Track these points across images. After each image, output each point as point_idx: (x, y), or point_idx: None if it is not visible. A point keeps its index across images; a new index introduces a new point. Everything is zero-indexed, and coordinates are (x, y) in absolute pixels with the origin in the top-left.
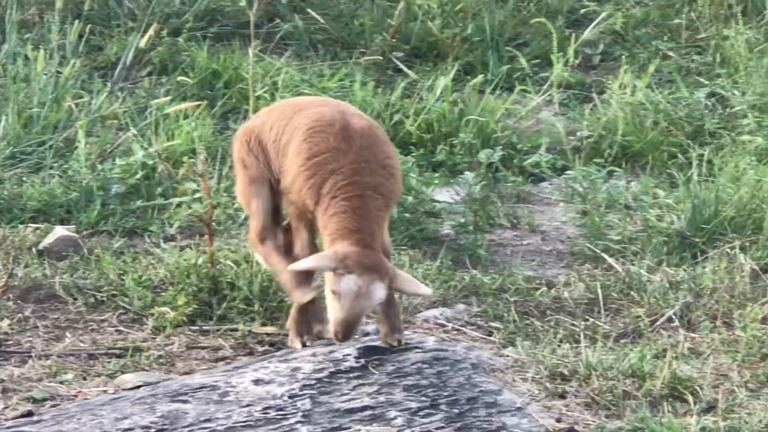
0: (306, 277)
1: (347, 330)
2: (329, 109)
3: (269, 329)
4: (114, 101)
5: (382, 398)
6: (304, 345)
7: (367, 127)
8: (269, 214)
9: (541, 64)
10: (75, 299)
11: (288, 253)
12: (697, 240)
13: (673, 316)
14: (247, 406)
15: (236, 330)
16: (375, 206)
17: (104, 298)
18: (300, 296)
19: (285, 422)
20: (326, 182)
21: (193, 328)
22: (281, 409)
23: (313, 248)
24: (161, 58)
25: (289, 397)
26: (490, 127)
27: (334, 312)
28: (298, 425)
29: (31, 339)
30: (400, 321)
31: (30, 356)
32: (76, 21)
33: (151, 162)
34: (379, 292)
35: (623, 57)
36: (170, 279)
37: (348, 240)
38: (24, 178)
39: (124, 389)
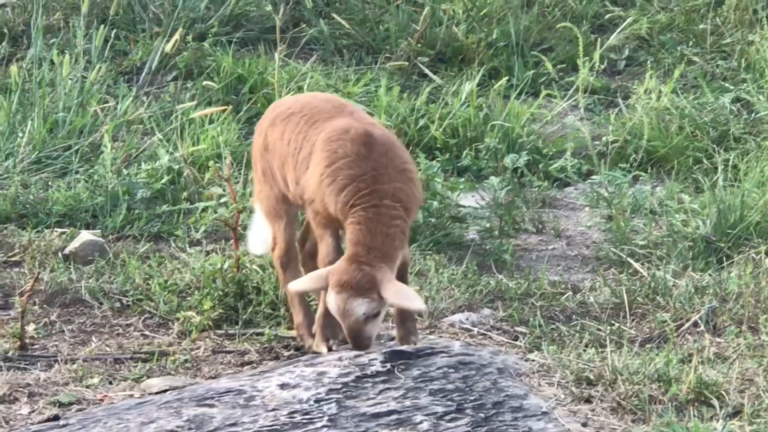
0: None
1: (353, 342)
2: (344, 120)
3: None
4: (139, 106)
5: (408, 402)
6: (330, 349)
7: (383, 133)
8: (293, 236)
9: (566, 69)
10: (101, 303)
11: (312, 258)
12: (722, 245)
13: (699, 321)
14: (273, 410)
15: (262, 334)
16: (391, 216)
17: (130, 303)
18: (314, 345)
19: (311, 426)
20: (347, 188)
21: (219, 332)
22: (307, 414)
23: (339, 254)
24: (186, 62)
25: (315, 402)
26: (515, 132)
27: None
28: (324, 429)
29: (57, 343)
30: (415, 325)
31: (56, 360)
32: (102, 26)
33: (176, 167)
34: (360, 308)
35: (648, 62)
36: (196, 283)
37: (348, 254)
38: (50, 183)
39: (150, 393)
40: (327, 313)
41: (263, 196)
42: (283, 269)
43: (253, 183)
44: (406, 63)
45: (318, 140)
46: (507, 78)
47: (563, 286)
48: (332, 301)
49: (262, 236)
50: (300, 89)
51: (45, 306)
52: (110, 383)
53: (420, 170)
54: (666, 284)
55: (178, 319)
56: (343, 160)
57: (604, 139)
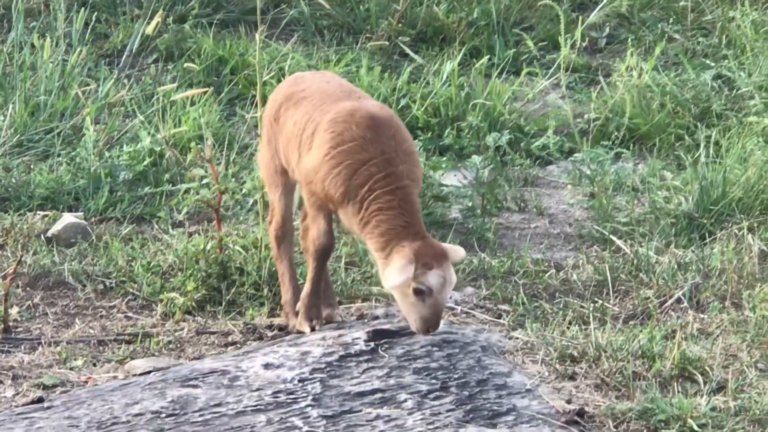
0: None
1: (439, 320)
2: (350, 102)
3: (276, 320)
4: (121, 88)
5: (392, 381)
6: (313, 329)
7: (389, 116)
8: (290, 208)
9: (547, 47)
10: (84, 286)
11: (304, 237)
12: (705, 221)
13: (682, 297)
14: (258, 390)
15: (245, 315)
16: (414, 194)
17: (113, 285)
18: (297, 324)
19: (295, 406)
20: (357, 173)
21: (203, 313)
22: (291, 393)
23: (330, 237)
24: (167, 45)
25: (299, 381)
26: (497, 111)
27: (422, 310)
28: (309, 408)
29: (40, 326)
30: None
31: (40, 343)
32: (82, 9)
33: (158, 148)
34: (454, 272)
35: (629, 40)
36: (179, 265)
37: (406, 239)
38: (32, 166)
39: (134, 375)
40: (312, 293)
41: (264, 162)
42: (277, 243)
43: (259, 145)
44: (387, 43)
45: (322, 121)
46: (488, 57)
47: (546, 264)
48: (436, 276)
49: None
50: (281, 70)
51: (28, 289)
52: (94, 365)
53: None
54: (649, 261)
55: (161, 300)
56: (349, 144)
57: (585, 116)
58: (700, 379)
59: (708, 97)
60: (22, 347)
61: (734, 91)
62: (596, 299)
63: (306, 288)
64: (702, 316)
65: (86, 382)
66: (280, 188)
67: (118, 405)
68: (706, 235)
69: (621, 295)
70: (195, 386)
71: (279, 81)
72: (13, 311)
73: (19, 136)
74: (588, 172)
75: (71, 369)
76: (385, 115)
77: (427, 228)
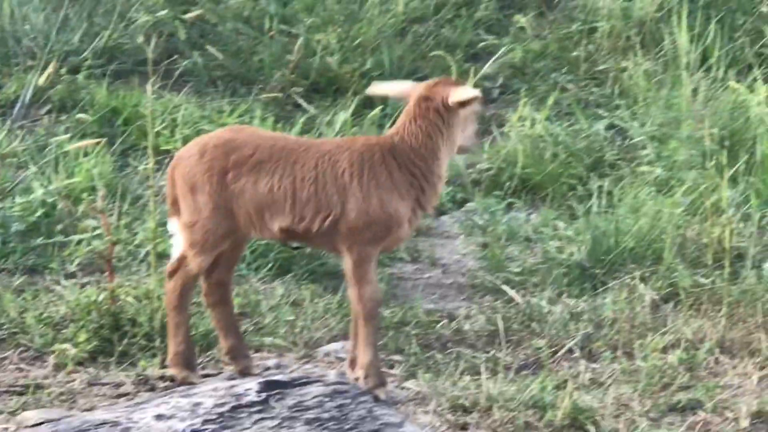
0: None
1: None
2: (336, 139)
3: (169, 371)
4: (13, 139)
5: None
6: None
7: None
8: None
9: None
10: None
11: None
12: (597, 271)
13: (574, 347)
14: None
15: (137, 366)
16: None
17: (5, 336)
18: (377, 392)
19: None
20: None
21: (95, 364)
22: None
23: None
24: (60, 95)
25: None
26: None
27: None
28: None
29: None
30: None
31: None
32: None
33: (51, 200)
34: None
35: (522, 90)
36: (71, 316)
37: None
38: None
39: (25, 426)
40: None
41: (199, 229)
42: (182, 295)
43: (182, 211)
44: (281, 94)
45: (345, 164)
46: (381, 107)
47: (439, 314)
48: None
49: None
50: (174, 121)
51: None
52: None
53: None
54: (541, 311)
55: (53, 351)
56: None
57: (478, 167)
58: (592, 429)
59: (601, 147)
60: None
61: (627, 141)
62: (488, 349)
63: (369, 353)
64: (594, 365)
65: None
66: (213, 252)
67: None
68: (599, 284)
69: (513, 345)
70: None
71: (172, 132)
72: None
73: None
74: (481, 222)
75: None
76: None
77: (319, 278)
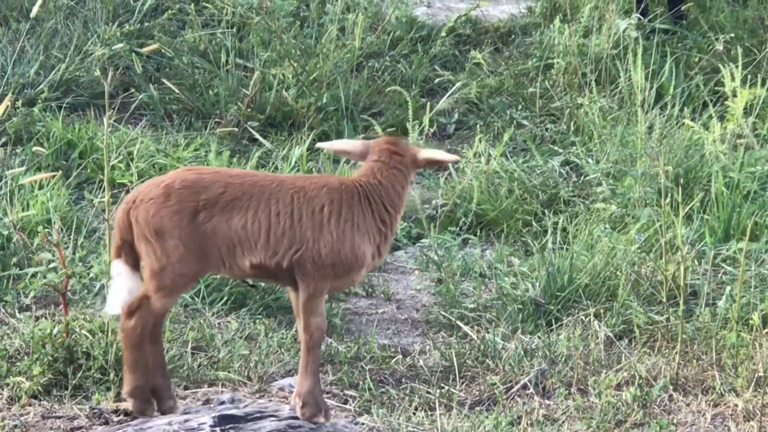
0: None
1: None
2: (302, 177)
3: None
4: None
5: None
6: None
7: None
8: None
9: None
10: None
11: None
12: (551, 307)
13: (528, 383)
14: None
15: (91, 399)
16: None
17: None
18: (317, 417)
19: None
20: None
21: (49, 397)
22: None
23: None
24: (16, 128)
25: None
26: None
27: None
28: None
29: None
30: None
31: None
32: None
33: (5, 232)
34: None
35: (478, 126)
36: (25, 349)
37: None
38: None
39: None
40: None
41: (168, 273)
42: (143, 331)
43: (144, 256)
44: (236, 129)
45: (323, 201)
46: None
47: (393, 349)
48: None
49: (121, 296)
50: (130, 154)
51: None
52: None
53: None
54: (495, 347)
55: (7, 384)
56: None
57: (434, 202)
58: None
59: (556, 184)
60: None
61: (582, 178)
62: (443, 385)
63: (311, 381)
64: (548, 402)
65: None
66: (178, 294)
67: None
68: (553, 321)
69: (467, 381)
70: None
71: (127, 165)
72: None
73: None
74: (435, 257)
75: None
76: None
77: (273, 312)
